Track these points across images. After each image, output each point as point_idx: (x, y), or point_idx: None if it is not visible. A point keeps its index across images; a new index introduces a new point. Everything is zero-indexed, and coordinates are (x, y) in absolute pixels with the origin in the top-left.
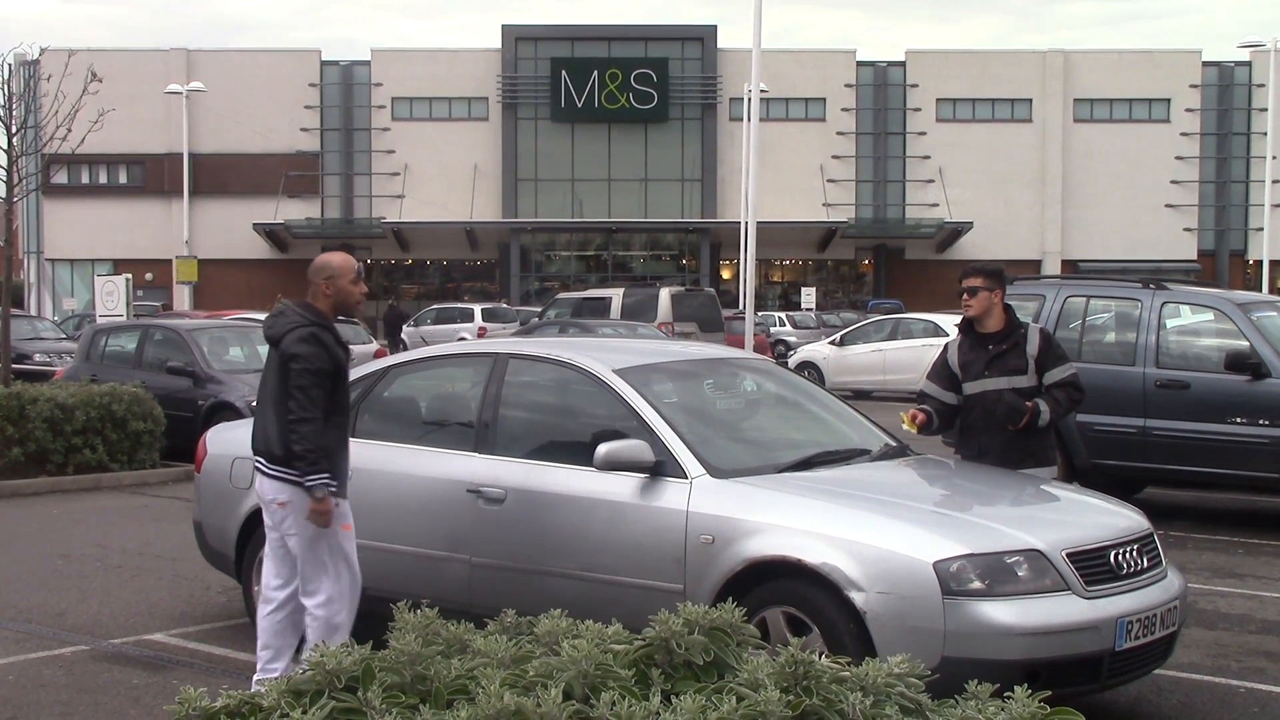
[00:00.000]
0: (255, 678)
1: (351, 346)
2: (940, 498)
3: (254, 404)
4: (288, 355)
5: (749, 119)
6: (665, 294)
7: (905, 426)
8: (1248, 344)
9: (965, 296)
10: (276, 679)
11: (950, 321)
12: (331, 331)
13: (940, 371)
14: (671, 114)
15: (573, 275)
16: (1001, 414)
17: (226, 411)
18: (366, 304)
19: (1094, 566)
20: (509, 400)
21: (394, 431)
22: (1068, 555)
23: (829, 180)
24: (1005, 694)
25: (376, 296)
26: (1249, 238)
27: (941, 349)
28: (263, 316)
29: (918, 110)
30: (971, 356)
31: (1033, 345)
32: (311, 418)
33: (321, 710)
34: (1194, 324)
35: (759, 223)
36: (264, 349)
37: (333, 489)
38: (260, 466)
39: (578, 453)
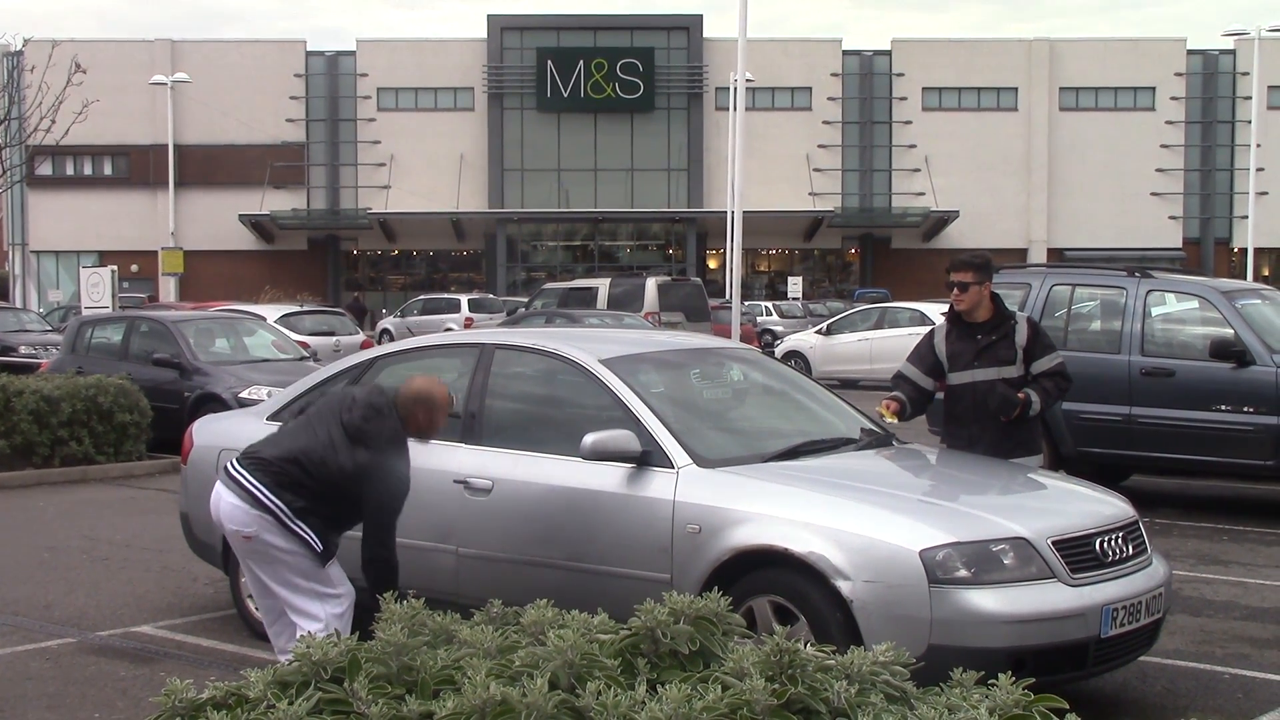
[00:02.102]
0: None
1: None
2: (926, 486)
3: (269, 410)
4: (393, 483)
5: (735, 108)
6: (652, 284)
7: (886, 418)
8: (1232, 332)
9: (955, 291)
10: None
11: (937, 310)
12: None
13: (923, 357)
14: (657, 103)
15: (559, 265)
16: (995, 405)
17: (213, 403)
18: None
19: (1079, 554)
20: (495, 391)
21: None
22: (1053, 543)
23: (815, 169)
24: (990, 682)
25: (362, 287)
26: (1234, 226)
27: (927, 334)
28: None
29: (903, 99)
30: (960, 346)
31: (1021, 335)
32: (393, 553)
33: (308, 701)
34: (1179, 312)
35: (745, 212)
36: (250, 341)
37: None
38: (264, 498)
39: (564, 443)
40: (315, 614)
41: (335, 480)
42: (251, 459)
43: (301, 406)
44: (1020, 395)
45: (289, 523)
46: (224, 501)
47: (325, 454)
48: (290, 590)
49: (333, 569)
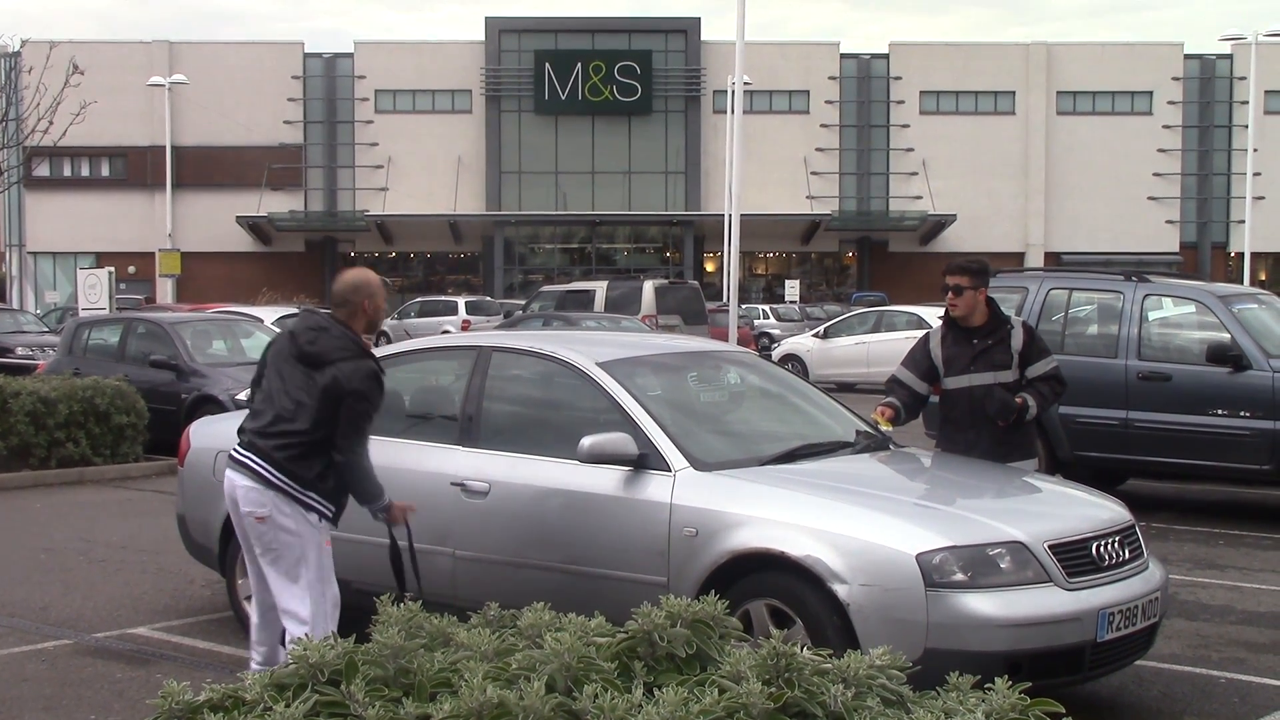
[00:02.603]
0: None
1: None
2: (923, 490)
3: (245, 398)
4: (351, 392)
5: (733, 111)
6: (649, 287)
7: (882, 425)
8: (1229, 336)
9: (950, 295)
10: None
11: (934, 314)
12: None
13: (918, 361)
14: (655, 106)
15: (556, 268)
16: (994, 410)
17: (210, 405)
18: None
19: (1076, 558)
20: (493, 393)
21: (378, 424)
22: (1050, 547)
23: (813, 173)
24: (987, 685)
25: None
26: (1231, 230)
27: (922, 337)
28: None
29: (901, 103)
30: (955, 351)
31: (1017, 340)
32: (365, 455)
33: (305, 704)
34: (1176, 316)
35: (743, 215)
36: (247, 343)
37: (386, 504)
38: (273, 478)
39: (561, 446)
40: (303, 616)
41: (318, 419)
42: (246, 436)
43: (258, 374)
44: (1017, 400)
45: (300, 495)
46: (239, 487)
47: (299, 397)
48: (288, 582)
49: (327, 559)
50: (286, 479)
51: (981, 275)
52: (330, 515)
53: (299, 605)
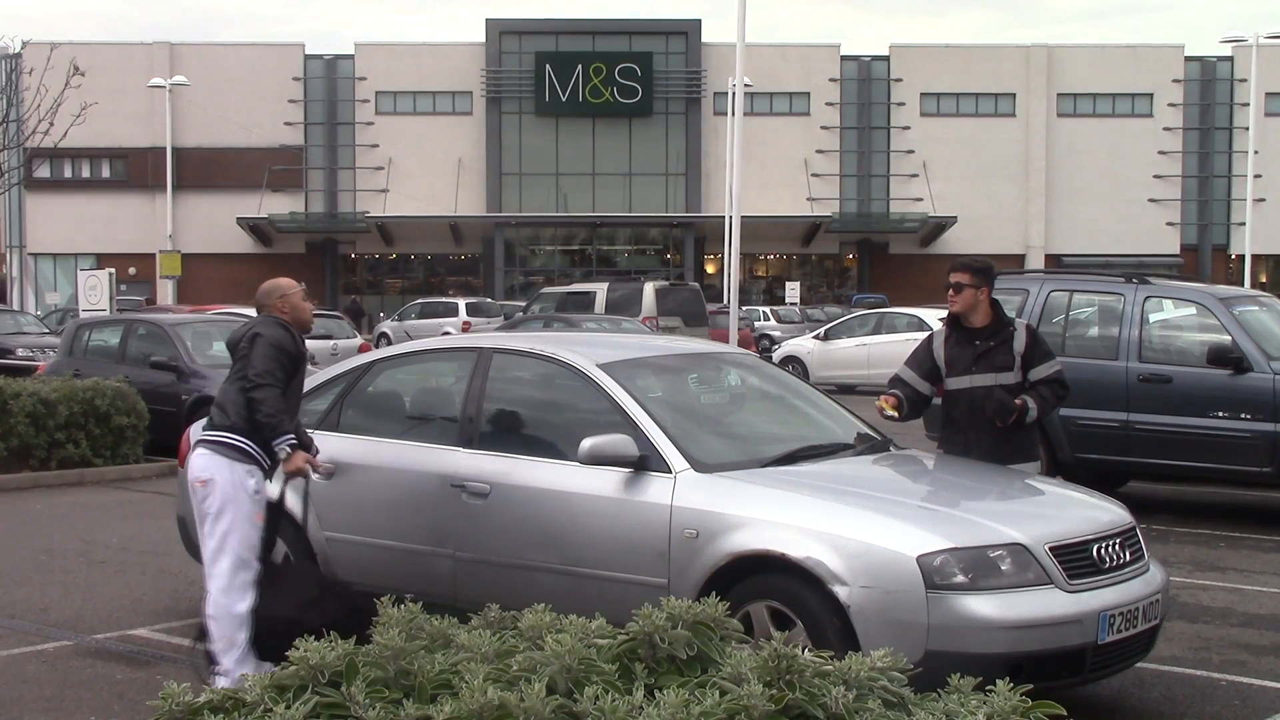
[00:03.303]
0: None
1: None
2: (924, 492)
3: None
4: (252, 335)
5: (733, 113)
6: (649, 288)
7: (887, 411)
8: (1230, 338)
9: (950, 292)
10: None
11: (934, 316)
12: (294, 332)
13: (921, 361)
14: (656, 108)
15: (557, 270)
16: (992, 411)
17: (210, 406)
18: (349, 297)
19: (1077, 560)
20: (493, 395)
21: (378, 426)
22: (1051, 549)
23: (813, 175)
24: (988, 688)
25: (360, 291)
26: (1231, 232)
27: (926, 338)
28: (247, 311)
29: (902, 105)
30: (957, 352)
31: (1019, 342)
32: (272, 384)
33: (305, 705)
34: (1177, 319)
35: (743, 217)
36: None
37: (294, 441)
38: (205, 437)
39: (562, 447)
40: (222, 586)
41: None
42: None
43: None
44: (1017, 401)
45: (229, 440)
46: (190, 463)
47: (235, 375)
48: (216, 544)
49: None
50: (215, 432)
51: (983, 275)
52: (263, 464)
53: (218, 566)
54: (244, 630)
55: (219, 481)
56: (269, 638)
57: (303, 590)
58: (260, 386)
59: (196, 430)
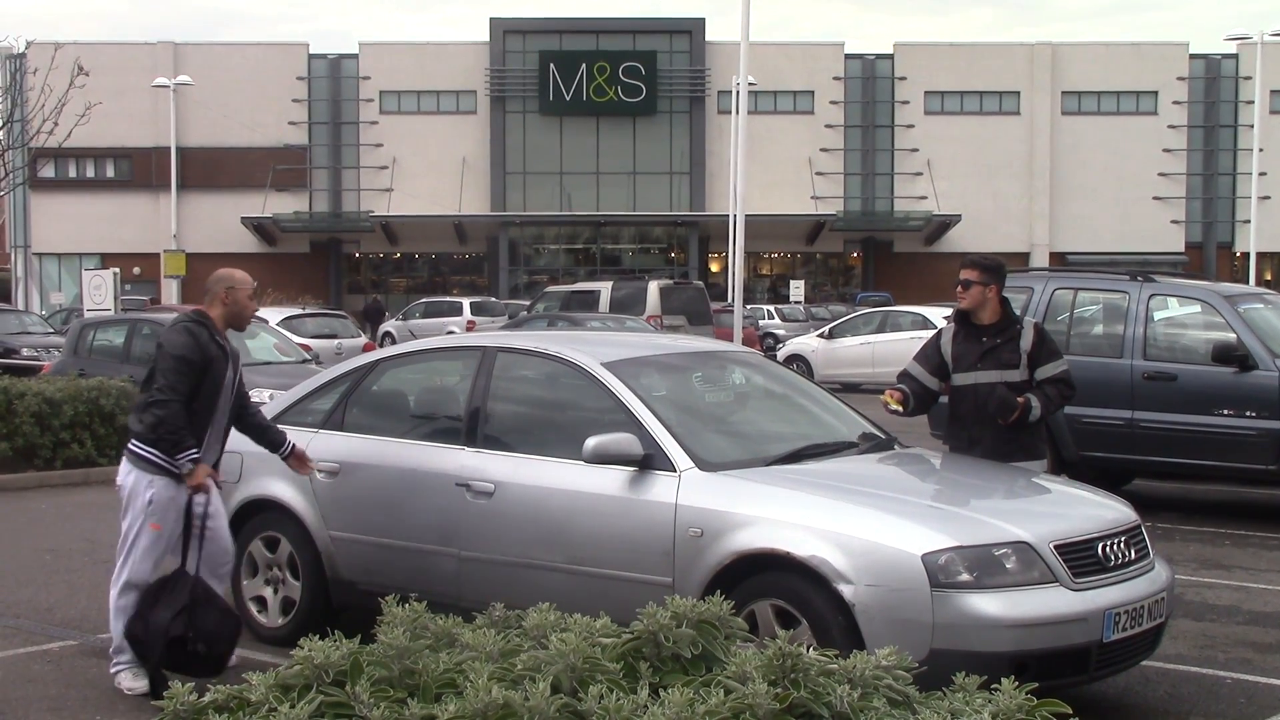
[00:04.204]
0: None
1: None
2: (928, 490)
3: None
4: (158, 343)
5: (737, 112)
6: (654, 287)
7: (891, 406)
8: (1235, 336)
9: (960, 289)
10: None
11: (939, 314)
12: (209, 330)
13: (929, 357)
14: (660, 107)
15: (561, 268)
16: (993, 408)
17: None
18: (354, 296)
19: (1082, 558)
20: (497, 394)
21: (383, 425)
22: (1056, 547)
23: (817, 173)
24: (993, 686)
25: (364, 290)
26: (1236, 230)
27: (935, 334)
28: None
29: (906, 103)
30: (965, 348)
31: (1026, 340)
32: (171, 400)
33: (310, 704)
34: (1181, 316)
35: (747, 216)
36: (252, 344)
37: (195, 456)
38: (128, 443)
39: (566, 446)
40: (119, 585)
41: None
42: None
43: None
44: (1020, 399)
45: (138, 450)
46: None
47: (145, 382)
48: (121, 544)
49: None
50: (131, 442)
51: (992, 273)
52: (170, 470)
53: (123, 569)
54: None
55: (126, 488)
56: (141, 645)
57: (179, 599)
58: (161, 403)
59: None
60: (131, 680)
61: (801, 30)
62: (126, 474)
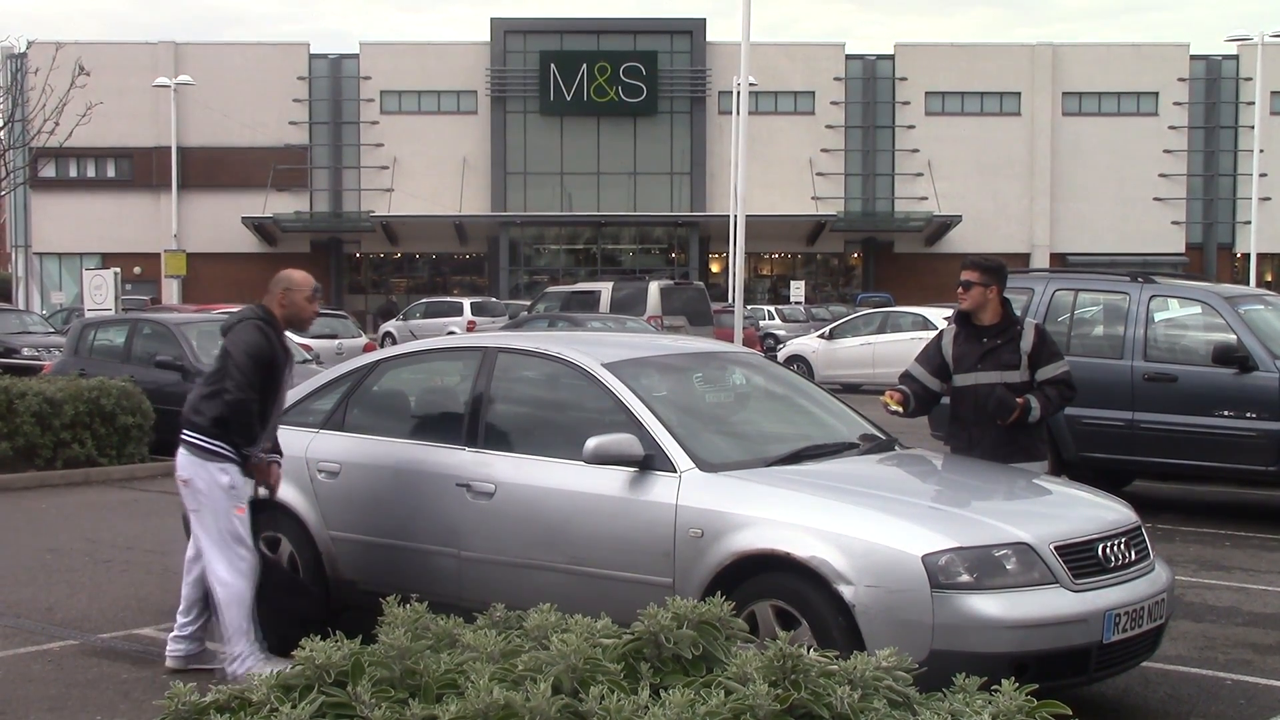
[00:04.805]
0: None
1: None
2: (929, 491)
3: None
4: (227, 338)
5: (738, 112)
6: (654, 288)
7: (892, 406)
8: (1235, 337)
9: (960, 290)
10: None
11: (939, 315)
12: (277, 331)
13: (931, 357)
14: (660, 107)
15: (562, 269)
16: (992, 408)
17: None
18: (354, 296)
19: (1082, 560)
20: (498, 394)
21: (383, 425)
22: (1056, 548)
23: (818, 174)
24: (993, 687)
25: (365, 290)
26: (1237, 231)
27: (936, 335)
28: None
29: (906, 104)
30: (965, 349)
31: (1027, 341)
32: (247, 396)
33: (311, 705)
34: (1182, 317)
35: (748, 216)
36: None
37: (261, 458)
38: (184, 436)
39: (567, 447)
40: (223, 577)
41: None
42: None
43: None
44: (1019, 400)
45: (203, 443)
46: (177, 462)
47: (212, 379)
48: (207, 540)
49: (243, 526)
50: (191, 432)
51: (993, 274)
52: (237, 461)
53: (220, 565)
54: (250, 619)
55: (197, 480)
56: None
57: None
58: (237, 399)
59: None
60: (264, 666)
61: (802, 31)
62: (195, 467)
